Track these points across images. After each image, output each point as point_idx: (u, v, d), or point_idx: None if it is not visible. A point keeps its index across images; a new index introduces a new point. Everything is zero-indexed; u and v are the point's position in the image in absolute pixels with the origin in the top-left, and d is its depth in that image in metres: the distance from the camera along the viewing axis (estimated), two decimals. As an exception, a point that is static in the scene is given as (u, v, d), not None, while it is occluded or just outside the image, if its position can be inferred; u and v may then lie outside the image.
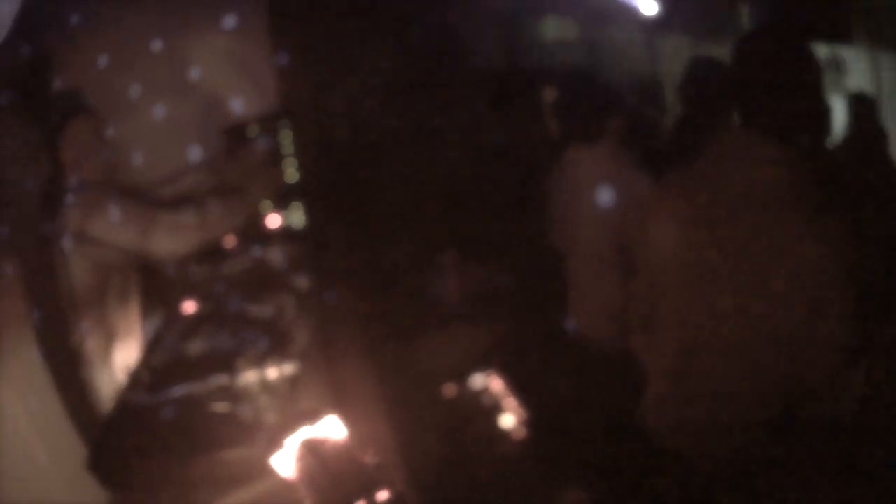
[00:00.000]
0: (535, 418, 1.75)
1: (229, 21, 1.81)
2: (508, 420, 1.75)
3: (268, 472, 1.21)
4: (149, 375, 1.68)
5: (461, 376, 1.74)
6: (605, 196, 1.86)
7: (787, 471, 1.42)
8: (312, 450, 1.07)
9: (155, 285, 1.81)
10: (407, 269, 1.69)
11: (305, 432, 1.11)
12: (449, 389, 1.75)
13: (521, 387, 1.75)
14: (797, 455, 1.41)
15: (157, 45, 1.81)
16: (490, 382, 1.76)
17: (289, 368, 1.64)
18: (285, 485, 1.21)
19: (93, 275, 1.82)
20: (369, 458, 1.07)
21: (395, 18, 1.84)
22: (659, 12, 2.11)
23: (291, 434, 1.08)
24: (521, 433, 1.75)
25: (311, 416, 1.09)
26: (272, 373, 1.65)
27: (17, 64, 1.92)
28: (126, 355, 1.80)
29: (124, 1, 1.85)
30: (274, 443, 1.09)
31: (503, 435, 1.75)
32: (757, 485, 1.43)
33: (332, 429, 1.11)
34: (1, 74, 1.92)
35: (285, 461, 1.12)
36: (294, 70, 1.77)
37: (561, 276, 1.79)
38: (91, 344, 1.81)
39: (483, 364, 1.75)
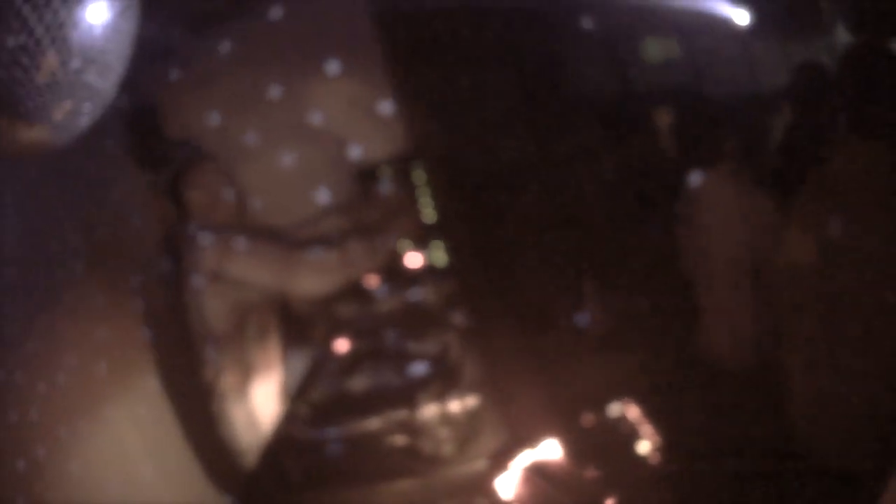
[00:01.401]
0: (671, 444, 1.84)
1: (346, 64, 1.92)
2: (645, 446, 1.84)
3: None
4: (309, 411, 1.79)
5: (599, 405, 1.83)
6: (730, 217, 1.95)
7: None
8: (539, 472, 1.16)
9: (295, 322, 1.92)
10: (548, 300, 1.79)
11: (526, 456, 1.20)
12: (587, 419, 1.84)
13: (657, 413, 1.85)
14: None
15: (274, 91, 1.92)
16: (627, 410, 1.85)
17: (470, 401, 1.75)
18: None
19: (230, 313, 1.93)
20: (590, 473, 1.16)
21: (506, 50, 1.94)
22: (752, 21, 2.20)
23: (514, 458, 1.18)
24: (657, 459, 1.84)
25: (530, 440, 1.19)
26: (454, 406, 1.75)
27: (133, 109, 2.02)
28: (264, 391, 1.91)
29: (239, 47, 1.96)
30: (497, 466, 1.18)
31: (640, 461, 1.84)
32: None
33: (550, 451, 1.20)
34: (116, 121, 2.02)
35: (508, 484, 1.21)
36: (417, 109, 1.89)
37: (693, 301, 1.89)
38: (228, 380, 1.92)
39: (620, 391, 1.84)
